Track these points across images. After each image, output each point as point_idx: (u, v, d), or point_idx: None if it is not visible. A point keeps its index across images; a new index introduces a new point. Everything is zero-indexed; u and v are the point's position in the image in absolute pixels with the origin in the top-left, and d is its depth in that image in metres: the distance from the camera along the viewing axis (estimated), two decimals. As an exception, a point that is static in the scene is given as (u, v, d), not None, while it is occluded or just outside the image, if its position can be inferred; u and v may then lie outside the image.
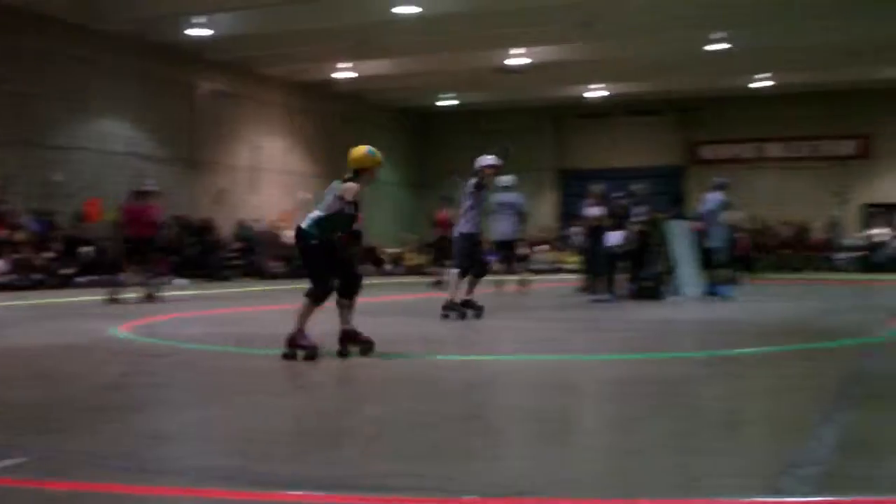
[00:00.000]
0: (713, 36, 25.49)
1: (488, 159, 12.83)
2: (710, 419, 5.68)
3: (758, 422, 5.77)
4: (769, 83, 32.22)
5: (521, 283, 18.63)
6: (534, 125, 36.99)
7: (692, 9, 22.90)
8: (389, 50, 27.51)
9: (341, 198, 8.09)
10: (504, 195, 16.61)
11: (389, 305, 16.29)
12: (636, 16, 23.55)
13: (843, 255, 31.34)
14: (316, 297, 8.04)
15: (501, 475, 4.22)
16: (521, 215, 16.97)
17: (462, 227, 12.57)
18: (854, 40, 26.01)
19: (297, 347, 7.99)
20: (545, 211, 35.95)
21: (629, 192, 17.43)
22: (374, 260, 30.54)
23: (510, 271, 18.58)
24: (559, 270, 29.32)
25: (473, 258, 12.55)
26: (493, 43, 26.82)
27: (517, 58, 27.86)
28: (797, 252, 32.14)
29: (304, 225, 8.10)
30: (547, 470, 4.39)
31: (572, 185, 35.45)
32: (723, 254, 16.52)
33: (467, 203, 12.58)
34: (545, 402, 6.35)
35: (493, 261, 16.70)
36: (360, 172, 8.27)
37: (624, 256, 16.38)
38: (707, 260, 16.57)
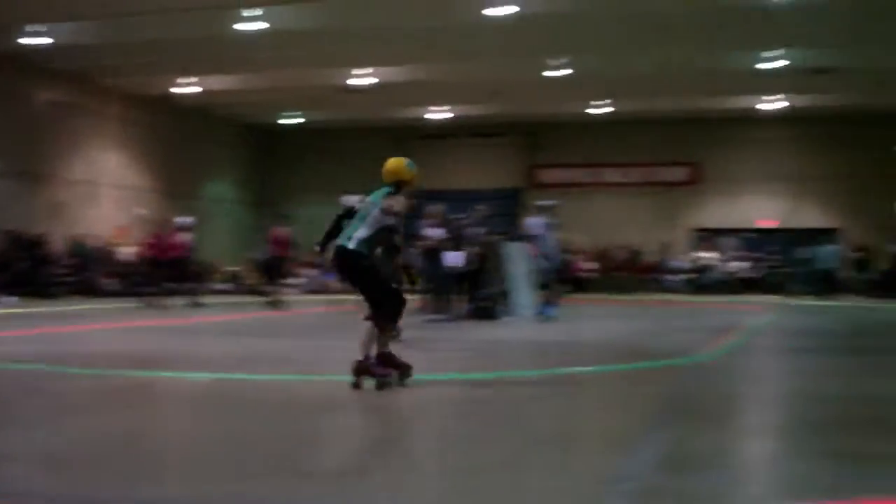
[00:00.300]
0: (553, 62, 26.09)
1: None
2: (540, 437, 5.86)
3: (585, 440, 5.98)
4: (607, 110, 33.15)
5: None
6: (377, 145, 36.99)
7: (534, 34, 23.41)
8: (234, 65, 27.21)
9: (388, 211, 7.70)
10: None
11: (221, 325, 16.14)
12: (479, 39, 23.89)
13: (672, 278, 32.48)
14: (390, 316, 7.71)
15: (341, 498, 4.27)
16: None
17: None
18: (687, 71, 27.19)
19: (372, 375, 7.54)
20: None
21: (470, 213, 17.74)
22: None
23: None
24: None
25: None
26: (338, 61, 26.79)
27: (362, 77, 27.93)
28: (631, 274, 33.15)
29: (351, 245, 7.68)
30: (380, 490, 4.47)
31: (415, 206, 35.60)
32: (549, 275, 16.86)
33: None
34: (377, 422, 6.44)
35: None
36: (402, 185, 7.91)
37: (462, 277, 16.63)
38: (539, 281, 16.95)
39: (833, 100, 31.35)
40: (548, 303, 16.70)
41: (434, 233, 17.08)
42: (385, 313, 7.57)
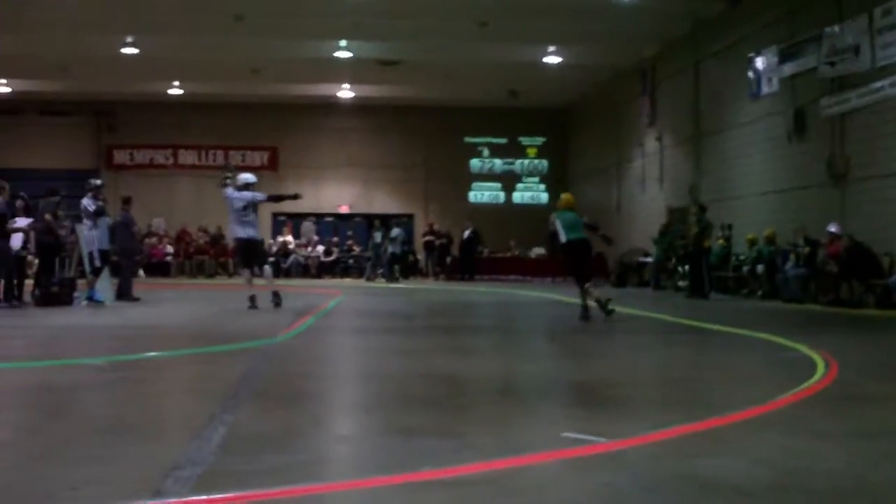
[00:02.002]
0: (125, 39, 25.31)
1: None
2: (98, 426, 5.54)
3: (147, 426, 5.72)
4: (180, 91, 32.63)
5: None
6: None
7: (100, 9, 22.56)
8: None
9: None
10: None
11: None
12: (47, 10, 22.64)
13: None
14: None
15: None
16: None
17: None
18: (254, 57, 27.38)
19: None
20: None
21: (49, 192, 16.88)
22: None
23: None
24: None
25: None
26: None
27: None
28: (211, 258, 32.84)
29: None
30: None
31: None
32: (99, 259, 16.24)
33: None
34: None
35: None
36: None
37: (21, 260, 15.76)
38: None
39: (403, 90, 32.80)
40: (93, 287, 16.09)
41: None
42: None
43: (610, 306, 13.25)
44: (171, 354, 9.13)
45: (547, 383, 7.73)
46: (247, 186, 15.57)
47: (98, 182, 17.09)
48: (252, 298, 15.18)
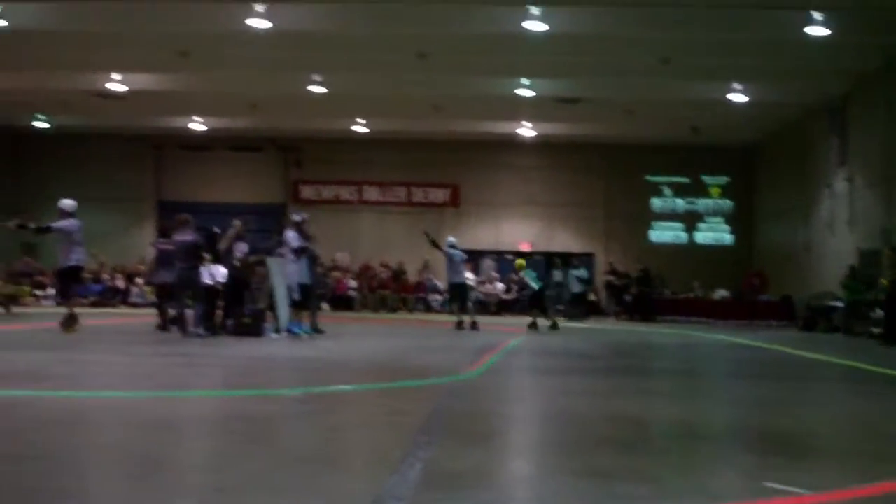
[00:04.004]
0: (312, 78, 26.11)
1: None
2: (297, 456, 5.70)
3: (344, 459, 5.86)
4: (365, 130, 33.41)
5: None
6: (135, 154, 35.99)
7: (292, 50, 23.34)
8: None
9: None
10: None
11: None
12: (238, 50, 23.57)
13: (437, 297, 32.91)
14: None
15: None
16: None
17: None
18: (436, 95, 27.80)
19: None
20: (144, 242, 34.96)
21: (227, 227, 17.46)
22: None
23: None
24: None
25: None
26: (89, 65, 25.84)
27: (116, 83, 26.98)
28: (393, 293, 33.37)
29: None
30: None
31: (172, 217, 34.92)
32: (301, 292, 16.68)
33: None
34: (133, 439, 6.13)
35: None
36: None
37: (219, 292, 16.32)
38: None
39: (584, 128, 32.72)
40: (297, 321, 16.56)
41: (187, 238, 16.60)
42: None
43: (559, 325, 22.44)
44: (362, 388, 9.30)
45: (739, 429, 7.55)
46: (453, 247, 21.79)
47: (302, 216, 17.57)
48: (459, 324, 21.21)
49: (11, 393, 8.09)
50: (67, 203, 16.08)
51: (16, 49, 23.39)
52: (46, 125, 34.55)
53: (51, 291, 30.79)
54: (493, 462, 5.81)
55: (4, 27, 20.92)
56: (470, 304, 22.43)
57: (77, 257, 15.88)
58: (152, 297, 21.36)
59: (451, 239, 22.35)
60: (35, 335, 16.17)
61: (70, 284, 16.67)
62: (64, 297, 16.98)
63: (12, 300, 29.26)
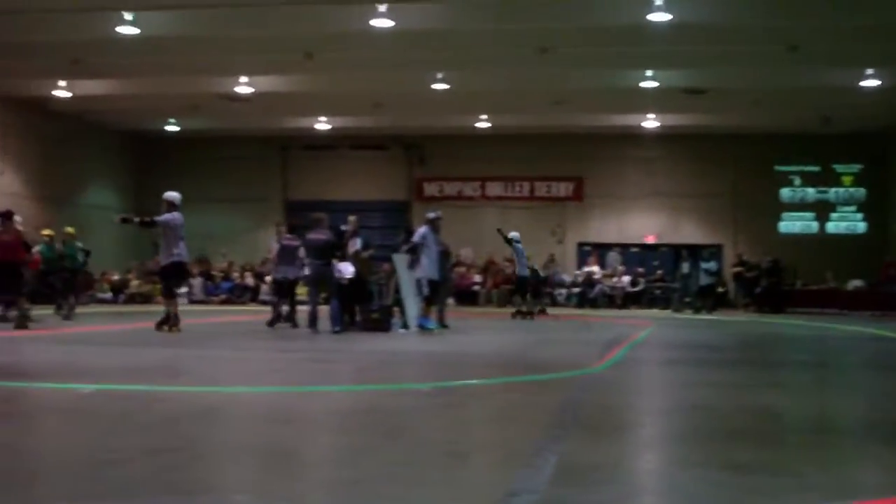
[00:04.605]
0: (434, 75, 26.24)
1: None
2: (433, 450, 5.73)
3: (478, 452, 5.87)
4: (487, 124, 33.43)
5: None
6: (261, 154, 36.72)
7: (414, 48, 23.48)
8: (107, 70, 26.63)
9: None
10: None
11: (103, 335, 15.67)
12: (361, 50, 23.83)
13: (561, 291, 32.80)
14: None
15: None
16: None
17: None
18: (558, 89, 27.61)
19: None
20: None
21: (346, 224, 17.72)
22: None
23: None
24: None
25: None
26: (216, 69, 26.48)
27: (243, 86, 27.59)
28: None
29: None
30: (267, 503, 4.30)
31: (299, 216, 35.61)
32: (430, 287, 16.77)
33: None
34: (267, 434, 6.24)
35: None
36: None
37: (351, 288, 16.52)
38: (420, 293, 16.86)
39: (710, 119, 32.17)
40: (426, 315, 16.69)
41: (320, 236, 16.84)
42: None
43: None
44: (490, 382, 9.32)
45: (879, 423, 7.31)
46: (517, 241, 22.89)
47: (436, 214, 17.77)
48: (524, 313, 22.93)
49: (148, 388, 8.32)
50: (173, 195, 15.78)
51: (147, 55, 24.10)
52: (176, 128, 35.53)
53: (183, 290, 31.63)
54: (627, 455, 5.75)
55: (136, 34, 21.55)
56: (528, 296, 23.94)
57: (179, 252, 15.43)
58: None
59: (515, 234, 23.32)
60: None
61: (173, 281, 16.20)
62: (167, 295, 16.05)
63: (147, 299, 30.29)
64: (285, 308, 17.89)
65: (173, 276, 15.95)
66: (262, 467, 5.26)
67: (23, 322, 16.12)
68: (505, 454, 5.70)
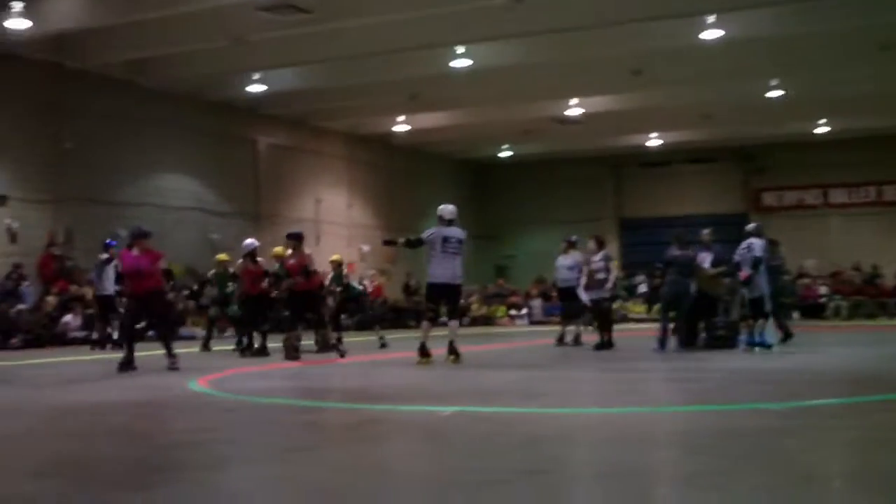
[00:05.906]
0: (768, 83, 25.51)
1: None
2: (796, 473, 5.49)
3: (846, 476, 5.58)
4: (826, 129, 32.05)
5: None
6: (593, 174, 36.99)
7: (743, 57, 22.94)
8: (442, 103, 27.80)
9: None
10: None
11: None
12: (689, 64, 23.56)
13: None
14: None
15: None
16: None
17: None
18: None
19: None
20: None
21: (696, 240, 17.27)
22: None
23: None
24: (625, 319, 29.12)
25: None
26: (546, 94, 27.00)
27: (572, 108, 27.93)
28: (871, 298, 31.55)
29: None
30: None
31: (632, 234, 35.57)
32: (765, 302, 16.01)
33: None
34: (622, 454, 6.20)
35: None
36: None
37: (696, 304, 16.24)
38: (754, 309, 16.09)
39: None
40: (762, 331, 15.98)
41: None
42: None
43: None
44: (849, 401, 8.84)
45: None
46: None
47: (754, 225, 16.96)
48: None
49: (508, 410, 8.52)
50: (445, 209, 14.20)
51: (480, 86, 24.91)
52: (509, 153, 36.44)
53: (523, 311, 32.37)
54: None
55: (468, 66, 22.33)
56: None
57: (439, 272, 13.95)
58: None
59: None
60: (514, 352, 16.96)
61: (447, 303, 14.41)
62: (430, 318, 14.12)
63: (486, 320, 31.20)
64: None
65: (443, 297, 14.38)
66: (623, 489, 5.23)
67: (326, 346, 16.45)
68: (877, 479, 5.37)
